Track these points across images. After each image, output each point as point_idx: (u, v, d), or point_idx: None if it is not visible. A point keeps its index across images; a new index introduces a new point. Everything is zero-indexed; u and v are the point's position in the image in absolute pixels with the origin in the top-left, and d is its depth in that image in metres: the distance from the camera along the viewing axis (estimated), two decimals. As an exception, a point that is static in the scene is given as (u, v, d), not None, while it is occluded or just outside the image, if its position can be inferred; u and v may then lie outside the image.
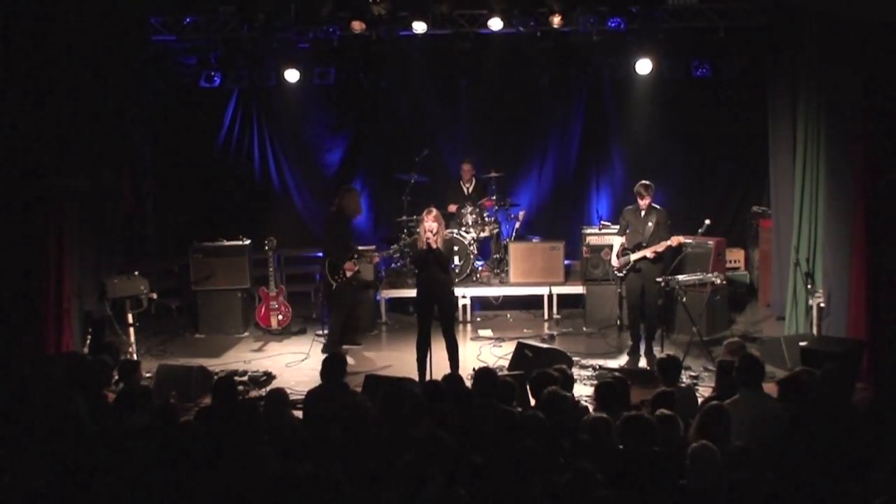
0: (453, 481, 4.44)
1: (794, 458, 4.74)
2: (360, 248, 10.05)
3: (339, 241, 9.35)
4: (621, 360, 8.94)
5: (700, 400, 6.47)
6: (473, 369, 7.70)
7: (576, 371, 8.13)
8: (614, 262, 8.92)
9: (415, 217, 10.53)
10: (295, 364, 9.19)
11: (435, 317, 8.16)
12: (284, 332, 10.27)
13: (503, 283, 11.07)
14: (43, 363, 7.75)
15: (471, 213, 11.17)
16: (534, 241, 11.26)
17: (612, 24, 10.33)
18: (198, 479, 4.71)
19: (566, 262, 10.93)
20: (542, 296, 10.86)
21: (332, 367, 6.46)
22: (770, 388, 5.95)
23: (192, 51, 11.28)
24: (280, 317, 10.31)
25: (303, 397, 6.84)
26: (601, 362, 8.81)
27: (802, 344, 7.82)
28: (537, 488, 4.42)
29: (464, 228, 11.07)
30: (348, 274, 9.27)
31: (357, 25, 10.32)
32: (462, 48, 10.87)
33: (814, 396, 5.63)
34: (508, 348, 9.06)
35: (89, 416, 5.93)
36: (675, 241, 8.52)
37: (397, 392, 5.66)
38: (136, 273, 9.45)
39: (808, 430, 5.16)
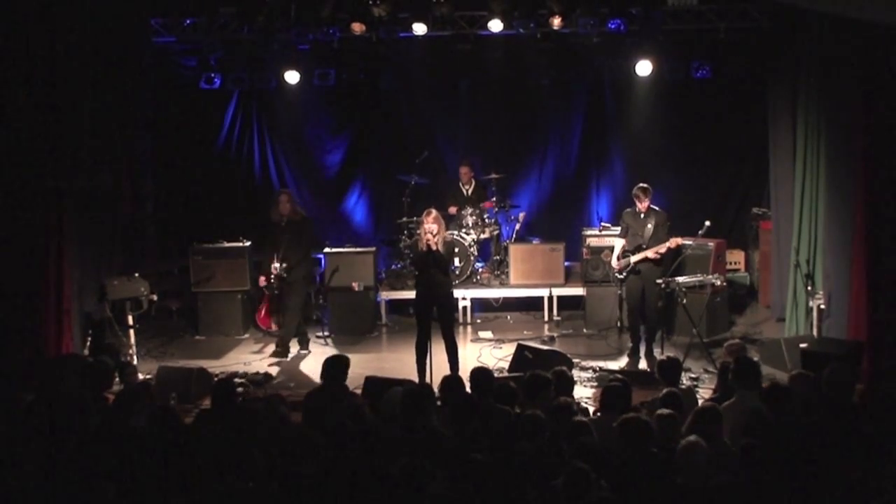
0: (455, 479, 4.43)
1: (791, 459, 4.72)
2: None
3: (267, 246, 9.49)
4: (621, 362, 8.93)
5: (700, 402, 6.46)
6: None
7: (576, 373, 8.12)
8: (615, 264, 8.93)
9: (415, 218, 10.52)
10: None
11: (434, 318, 8.16)
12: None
13: (503, 284, 11.05)
14: (44, 364, 7.77)
15: (471, 215, 11.15)
16: (534, 242, 11.23)
17: (612, 26, 10.30)
18: (197, 481, 4.70)
19: (566, 263, 10.92)
20: (542, 297, 10.84)
21: (332, 368, 6.45)
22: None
23: (193, 52, 11.26)
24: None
25: (302, 399, 6.82)
26: (601, 364, 8.80)
27: (803, 345, 7.82)
28: (535, 489, 4.41)
29: (464, 230, 11.05)
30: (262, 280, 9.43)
31: (357, 27, 10.30)
32: (462, 50, 10.84)
33: (806, 400, 5.61)
34: (508, 350, 9.04)
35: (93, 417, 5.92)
36: (673, 242, 8.54)
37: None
38: (136, 275, 9.43)
39: (805, 431, 5.15)
